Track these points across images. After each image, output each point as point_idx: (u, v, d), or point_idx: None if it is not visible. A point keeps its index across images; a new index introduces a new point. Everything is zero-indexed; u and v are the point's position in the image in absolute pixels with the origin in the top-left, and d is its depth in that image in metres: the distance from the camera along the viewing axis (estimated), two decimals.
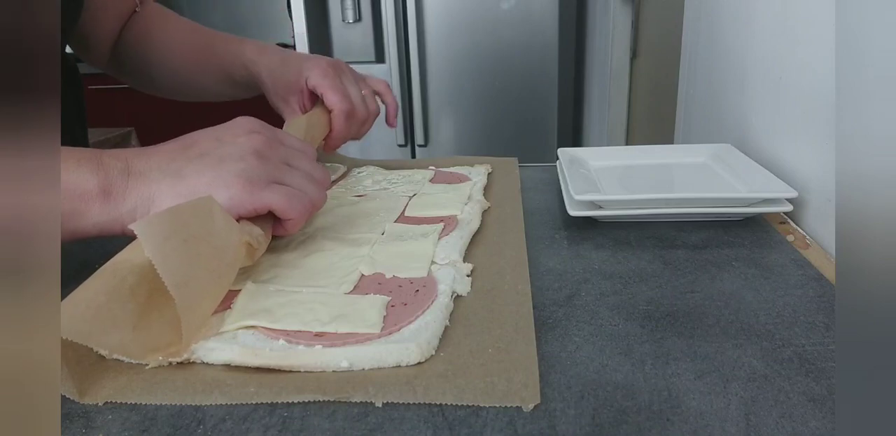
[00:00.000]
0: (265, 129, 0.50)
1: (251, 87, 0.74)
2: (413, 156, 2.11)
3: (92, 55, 0.78)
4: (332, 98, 0.67)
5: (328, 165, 0.75)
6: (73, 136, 0.73)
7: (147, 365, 0.38)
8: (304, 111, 0.70)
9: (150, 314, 0.38)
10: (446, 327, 0.40)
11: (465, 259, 0.50)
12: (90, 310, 0.36)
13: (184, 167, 0.45)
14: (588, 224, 0.59)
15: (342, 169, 0.74)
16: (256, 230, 0.45)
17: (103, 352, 0.39)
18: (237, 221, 0.44)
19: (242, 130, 0.48)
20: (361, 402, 0.34)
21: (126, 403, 0.35)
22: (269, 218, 0.48)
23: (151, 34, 0.78)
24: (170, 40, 0.78)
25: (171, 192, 0.44)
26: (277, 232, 0.49)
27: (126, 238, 0.41)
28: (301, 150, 0.51)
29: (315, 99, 0.69)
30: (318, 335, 0.39)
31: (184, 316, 0.37)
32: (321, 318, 0.40)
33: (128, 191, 0.43)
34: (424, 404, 0.34)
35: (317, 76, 0.67)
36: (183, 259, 0.38)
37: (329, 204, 0.62)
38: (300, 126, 0.61)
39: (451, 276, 0.46)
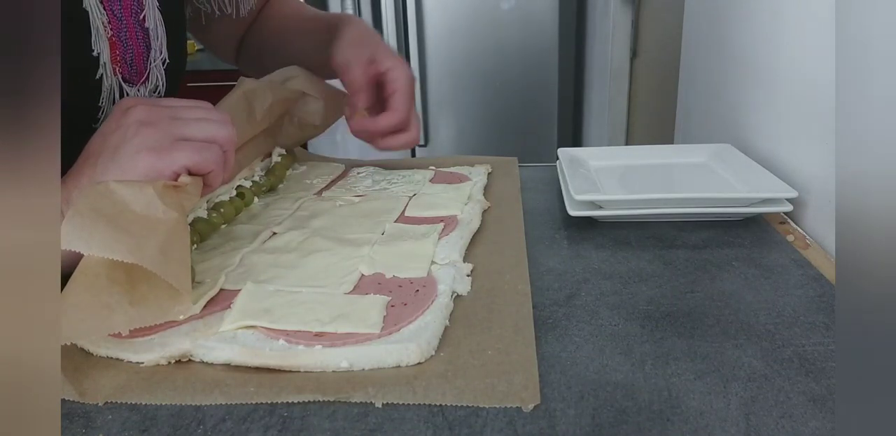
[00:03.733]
0: (139, 100, 0.48)
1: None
2: (413, 156, 2.10)
3: (220, 50, 0.82)
4: (399, 101, 0.66)
5: (330, 164, 0.75)
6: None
7: (143, 364, 0.38)
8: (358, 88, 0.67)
9: (139, 289, 0.39)
10: (446, 327, 0.40)
11: (465, 259, 0.50)
12: (82, 311, 0.36)
13: (94, 175, 0.45)
14: (588, 224, 0.59)
15: (341, 169, 0.74)
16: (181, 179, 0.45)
17: (102, 352, 0.39)
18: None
19: (119, 113, 0.47)
20: (361, 402, 0.34)
21: (126, 403, 0.35)
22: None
23: (276, 18, 0.81)
24: (284, 24, 0.80)
25: None
26: (203, 190, 0.48)
27: None
28: (183, 104, 0.49)
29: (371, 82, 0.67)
30: (318, 335, 0.39)
31: (161, 272, 0.38)
32: (321, 318, 0.40)
33: None
34: (424, 404, 0.34)
35: (398, 75, 0.66)
36: (118, 236, 0.38)
37: (329, 204, 0.62)
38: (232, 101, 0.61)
39: (451, 276, 0.46)
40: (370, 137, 0.68)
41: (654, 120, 1.80)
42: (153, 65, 0.62)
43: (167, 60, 0.64)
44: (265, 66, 0.81)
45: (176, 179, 0.45)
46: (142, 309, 0.39)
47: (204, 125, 0.47)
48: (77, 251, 0.37)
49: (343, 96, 0.74)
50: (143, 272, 0.38)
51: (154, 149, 0.44)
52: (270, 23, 0.81)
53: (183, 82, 0.84)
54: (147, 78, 0.62)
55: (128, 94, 0.59)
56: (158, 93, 0.64)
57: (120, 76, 0.58)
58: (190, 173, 0.46)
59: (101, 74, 0.56)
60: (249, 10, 0.77)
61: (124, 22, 0.58)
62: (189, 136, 0.46)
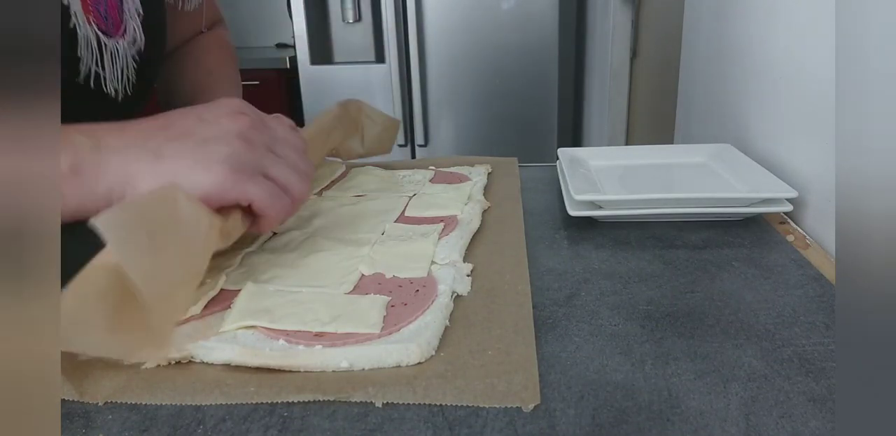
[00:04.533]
0: (251, 111, 0.47)
1: None
2: (413, 156, 2.10)
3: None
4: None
5: (330, 159, 0.75)
6: None
7: (143, 364, 0.38)
8: None
9: (131, 316, 0.37)
10: (446, 327, 0.40)
11: (465, 259, 0.50)
12: (64, 317, 0.35)
13: (162, 146, 0.42)
14: (588, 224, 0.59)
15: (342, 169, 0.74)
16: (233, 215, 0.44)
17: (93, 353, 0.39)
18: (214, 210, 0.42)
19: (226, 111, 0.45)
20: (361, 402, 0.34)
21: (126, 403, 0.35)
22: (241, 209, 0.45)
23: (184, 63, 0.79)
24: (186, 74, 0.78)
25: (152, 172, 0.41)
26: (250, 228, 0.46)
27: None
28: (287, 138, 0.48)
29: None
30: (318, 335, 0.39)
31: (155, 309, 0.36)
32: (321, 318, 0.40)
33: (101, 169, 0.41)
34: (424, 404, 0.34)
35: None
36: (148, 252, 0.37)
37: (329, 204, 0.62)
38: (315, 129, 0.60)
39: (451, 276, 0.46)
40: None
41: (654, 120, 1.80)
42: (127, 15, 0.60)
43: (141, 12, 0.62)
44: (167, 103, 0.79)
45: (231, 209, 0.43)
46: (117, 340, 0.37)
47: (290, 172, 0.45)
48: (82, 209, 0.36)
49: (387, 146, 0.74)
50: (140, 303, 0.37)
51: (236, 170, 0.42)
52: (180, 70, 0.78)
53: None
54: (125, 30, 0.60)
55: (106, 46, 0.58)
56: (138, 47, 0.62)
57: (95, 26, 0.57)
58: (248, 209, 0.44)
59: (75, 24, 0.54)
60: (194, 9, 0.75)
61: None
62: (272, 175, 0.44)
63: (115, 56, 0.59)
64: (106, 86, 0.58)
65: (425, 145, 2.10)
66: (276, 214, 0.45)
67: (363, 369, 0.37)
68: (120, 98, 0.60)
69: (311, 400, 0.35)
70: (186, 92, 0.77)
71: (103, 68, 0.58)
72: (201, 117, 0.44)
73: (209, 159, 0.42)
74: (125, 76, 0.61)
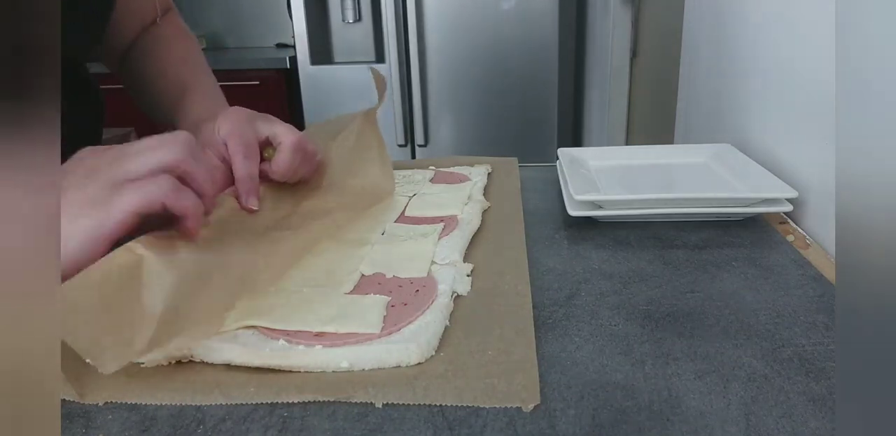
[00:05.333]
0: (94, 149, 0.40)
1: None
2: (413, 156, 2.10)
3: (106, 58, 0.78)
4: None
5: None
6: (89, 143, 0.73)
7: (143, 364, 0.38)
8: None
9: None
10: (446, 327, 0.40)
11: (465, 259, 0.50)
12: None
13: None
14: (588, 224, 0.59)
15: None
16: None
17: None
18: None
19: (71, 163, 0.39)
20: (361, 402, 0.34)
21: (126, 403, 0.35)
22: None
23: (152, 52, 0.78)
24: (159, 65, 0.77)
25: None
26: (184, 233, 0.40)
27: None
28: (138, 142, 0.40)
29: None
30: (319, 335, 0.39)
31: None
32: (321, 318, 0.40)
33: None
34: (424, 404, 0.34)
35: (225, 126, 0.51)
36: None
37: None
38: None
39: (452, 276, 0.46)
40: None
41: (654, 120, 1.80)
42: None
43: None
44: (141, 100, 0.78)
45: (124, 232, 0.37)
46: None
47: (148, 155, 0.38)
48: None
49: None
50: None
51: (92, 203, 0.36)
52: (150, 60, 0.76)
53: None
54: None
55: None
56: None
57: None
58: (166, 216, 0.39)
59: None
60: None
61: None
62: (133, 172, 0.38)
63: None
64: None
65: (425, 145, 2.09)
66: (169, 200, 0.38)
67: (363, 370, 0.37)
68: None
69: (311, 400, 0.35)
70: (160, 80, 0.76)
71: None
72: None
73: (67, 220, 0.36)
74: None
